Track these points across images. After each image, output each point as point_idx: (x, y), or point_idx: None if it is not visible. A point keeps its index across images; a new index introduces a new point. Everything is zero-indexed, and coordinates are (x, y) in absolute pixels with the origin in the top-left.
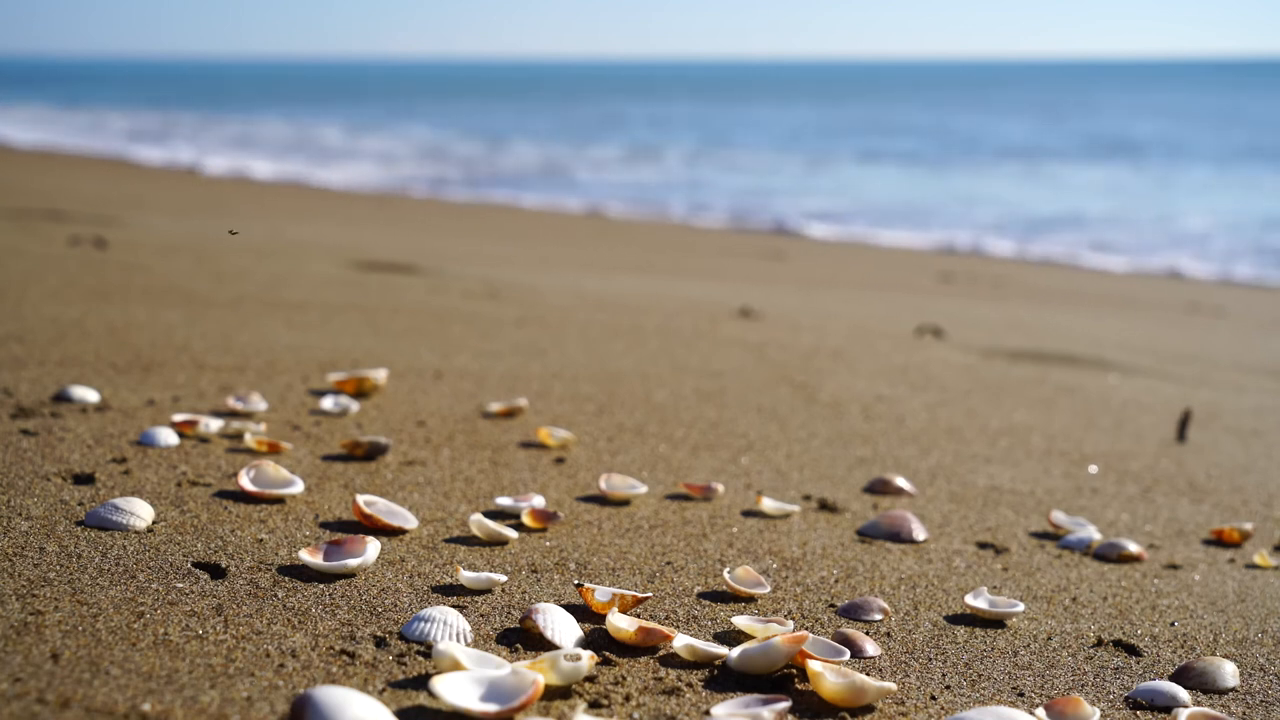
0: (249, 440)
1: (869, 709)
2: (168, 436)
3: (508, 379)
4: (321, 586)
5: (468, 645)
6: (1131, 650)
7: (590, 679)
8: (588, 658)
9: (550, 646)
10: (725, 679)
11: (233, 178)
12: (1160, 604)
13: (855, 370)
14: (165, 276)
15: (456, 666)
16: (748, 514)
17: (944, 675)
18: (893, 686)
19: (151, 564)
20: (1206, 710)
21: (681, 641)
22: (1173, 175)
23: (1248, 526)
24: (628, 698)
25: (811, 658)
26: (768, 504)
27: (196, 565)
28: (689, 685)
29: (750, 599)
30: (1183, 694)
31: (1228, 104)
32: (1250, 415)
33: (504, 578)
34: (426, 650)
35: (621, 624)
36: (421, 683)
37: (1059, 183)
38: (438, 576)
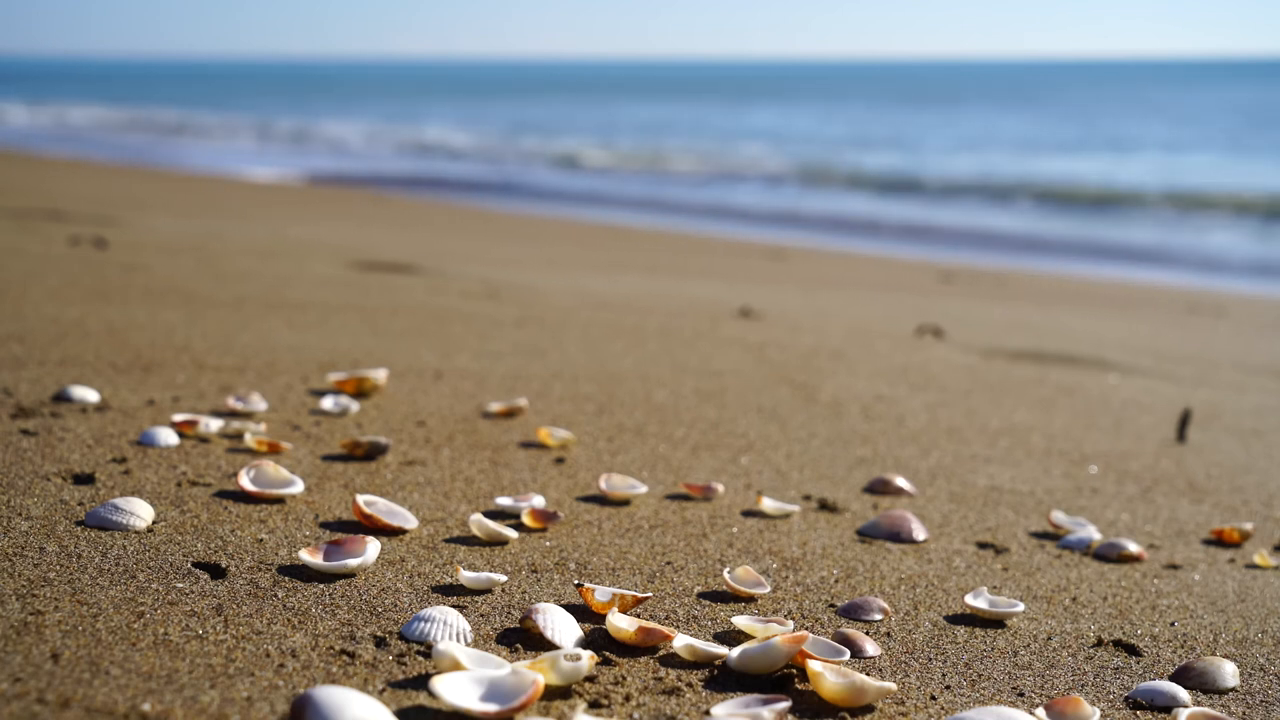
0: (249, 440)
1: (869, 709)
2: (168, 436)
3: (508, 379)
4: (321, 586)
5: (468, 645)
6: (1131, 650)
7: (590, 679)
8: (588, 658)
9: (550, 646)
10: (725, 679)
11: (235, 178)
12: (1160, 604)
13: (855, 370)
14: (165, 276)
15: (456, 666)
16: (748, 514)
17: (944, 675)
18: (893, 686)
19: (151, 564)
20: (1206, 710)
21: (681, 641)
22: (1175, 174)
23: (1248, 526)
24: (628, 698)
25: (811, 658)
26: (768, 504)
27: (196, 565)
28: (689, 685)
29: (750, 599)
30: (1183, 694)
31: (1230, 103)
32: (1250, 415)
33: (504, 578)
34: (426, 650)
35: (621, 624)
36: (421, 683)
37: (1060, 184)
38: (438, 576)
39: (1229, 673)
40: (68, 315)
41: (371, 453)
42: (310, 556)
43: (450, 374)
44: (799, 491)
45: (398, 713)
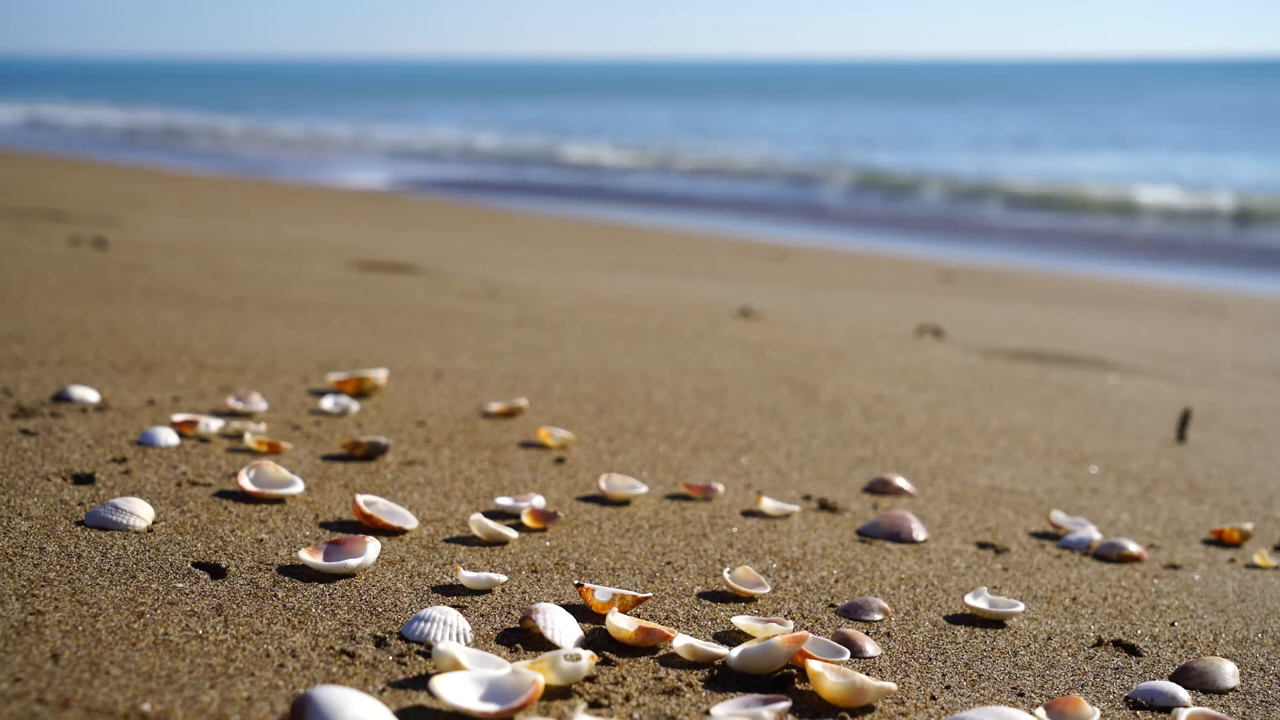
0: (249, 440)
1: (869, 709)
2: (168, 436)
3: (508, 379)
4: (321, 586)
5: (468, 645)
6: (1131, 650)
7: (590, 679)
8: (588, 658)
9: (550, 646)
10: (725, 679)
11: (238, 178)
12: (1160, 604)
13: (855, 370)
14: (165, 276)
15: (456, 666)
16: (748, 514)
17: (944, 675)
18: (893, 686)
19: (151, 564)
20: (1206, 710)
21: (681, 641)
22: (1176, 171)
23: (1248, 526)
24: (628, 698)
25: (811, 658)
26: (768, 504)
27: (196, 565)
28: (689, 685)
29: (750, 599)
30: (1183, 694)
31: (1228, 102)
32: (1250, 415)
33: (504, 578)
34: (426, 650)
35: (621, 624)
36: (421, 683)
37: (1062, 181)
38: (438, 576)
39: (1229, 673)
40: (68, 315)
41: (371, 453)
42: (310, 556)
43: (450, 374)
44: (799, 491)
45: (398, 713)
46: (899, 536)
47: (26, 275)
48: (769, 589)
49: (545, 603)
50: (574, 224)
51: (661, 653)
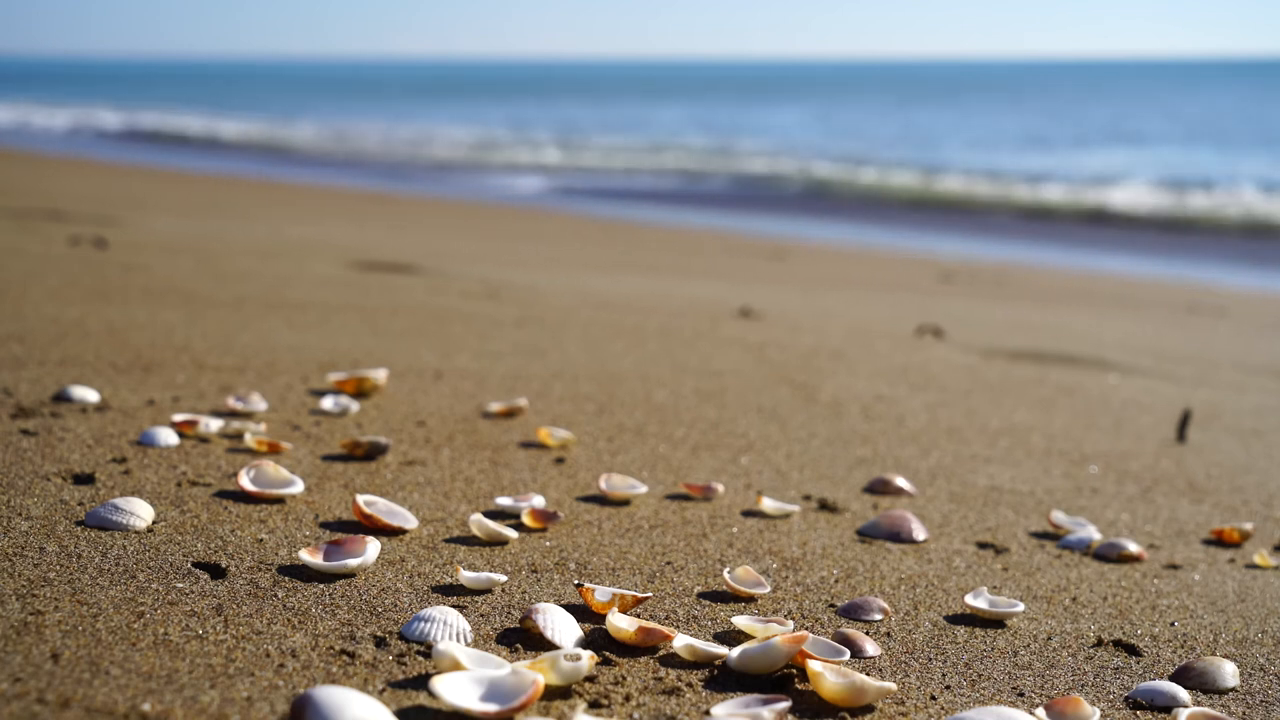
0: (249, 440)
1: (869, 709)
2: (168, 436)
3: (508, 379)
4: (321, 586)
5: (468, 645)
6: (1131, 650)
7: (590, 679)
8: (588, 658)
9: (550, 646)
10: (725, 679)
11: (237, 178)
12: (1160, 604)
13: (855, 370)
14: (165, 276)
15: (456, 666)
16: (748, 514)
17: (944, 675)
18: (893, 686)
19: (151, 564)
20: (1206, 710)
21: (681, 641)
22: (1179, 170)
23: (1248, 526)
24: (628, 698)
25: (811, 658)
26: (768, 504)
27: (196, 565)
28: (689, 685)
29: (750, 599)
30: (1183, 694)
31: (1228, 102)
32: (1250, 415)
33: (504, 578)
34: (426, 650)
35: (621, 624)
36: (421, 683)
37: (1062, 180)
38: (438, 576)
39: (1229, 673)
40: (68, 315)
41: (371, 453)
42: (310, 556)
43: (450, 374)
44: (799, 491)
45: (398, 713)
46: (899, 536)
47: (26, 275)
48: (769, 589)
49: (545, 603)
50: (574, 223)
51: (661, 653)
